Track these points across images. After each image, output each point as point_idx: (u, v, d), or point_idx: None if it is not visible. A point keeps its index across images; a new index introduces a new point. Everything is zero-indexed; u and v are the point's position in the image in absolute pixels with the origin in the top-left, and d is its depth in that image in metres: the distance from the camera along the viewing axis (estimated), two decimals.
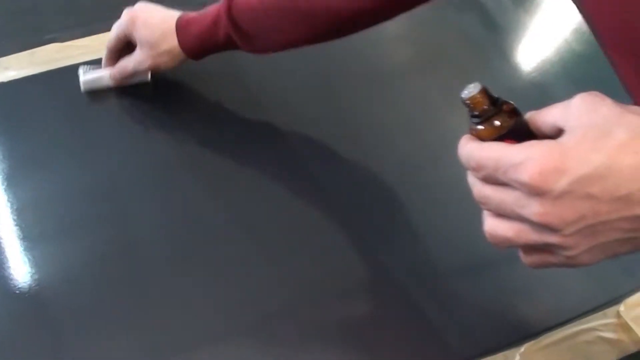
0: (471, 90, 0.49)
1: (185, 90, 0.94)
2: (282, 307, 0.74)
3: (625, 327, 0.76)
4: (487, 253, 0.74)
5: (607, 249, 0.46)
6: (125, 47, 0.89)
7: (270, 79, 0.89)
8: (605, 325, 0.76)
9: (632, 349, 0.74)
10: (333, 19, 0.80)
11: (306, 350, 0.72)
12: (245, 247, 0.79)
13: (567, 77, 1.05)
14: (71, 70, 0.93)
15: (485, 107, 0.48)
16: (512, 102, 0.49)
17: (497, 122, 0.48)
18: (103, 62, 0.91)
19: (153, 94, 0.93)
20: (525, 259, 0.50)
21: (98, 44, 0.96)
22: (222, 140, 0.89)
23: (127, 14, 0.87)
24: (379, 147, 0.91)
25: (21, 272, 0.73)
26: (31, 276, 0.73)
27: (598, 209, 0.43)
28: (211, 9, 0.84)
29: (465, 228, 0.78)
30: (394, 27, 1.03)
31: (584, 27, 1.12)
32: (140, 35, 0.86)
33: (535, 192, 0.43)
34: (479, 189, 0.48)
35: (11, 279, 0.73)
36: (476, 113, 0.49)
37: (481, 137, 0.49)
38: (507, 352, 0.72)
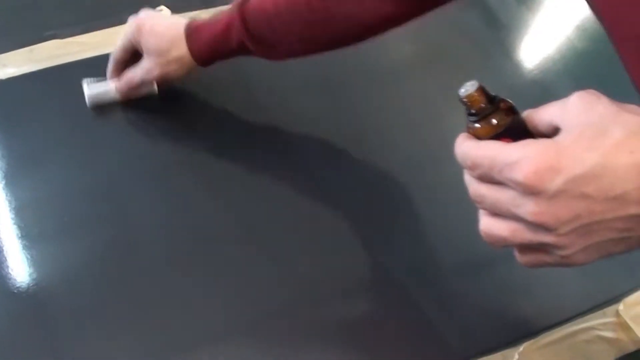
0: (468, 88, 0.49)
1: (184, 89, 0.93)
2: (282, 307, 0.74)
3: (624, 326, 0.75)
4: (487, 253, 0.74)
5: (601, 248, 0.46)
6: (131, 57, 0.87)
7: (269, 76, 0.89)
8: (604, 324, 0.76)
9: (631, 347, 0.74)
10: (352, 25, 0.79)
11: (306, 350, 0.72)
12: (245, 247, 0.79)
13: (570, 75, 1.05)
14: (71, 68, 0.92)
15: (482, 105, 0.48)
16: (509, 100, 0.49)
17: (494, 121, 0.48)
18: (108, 73, 0.89)
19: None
20: (521, 258, 0.50)
21: (98, 41, 0.96)
22: (222, 140, 0.89)
23: (132, 22, 0.85)
24: (380, 147, 0.91)
25: (20, 272, 0.73)
26: (30, 276, 0.73)
27: (593, 209, 0.43)
28: (222, 15, 0.82)
29: (465, 228, 0.77)
30: None
31: (587, 24, 1.13)
32: (147, 42, 0.83)
33: (530, 191, 0.43)
34: (475, 187, 0.48)
35: (10, 279, 0.73)
36: (473, 111, 0.49)
37: (478, 136, 0.49)
38: (506, 352, 0.72)
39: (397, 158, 0.90)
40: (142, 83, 0.87)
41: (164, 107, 0.91)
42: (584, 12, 1.14)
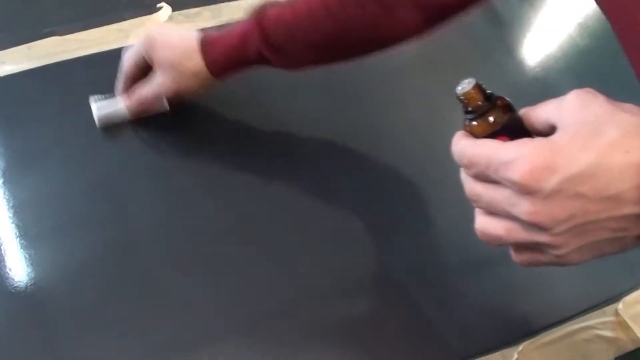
0: (465, 86, 0.49)
1: None
2: (282, 307, 0.74)
3: (623, 325, 0.75)
4: (486, 253, 0.74)
5: (596, 248, 0.46)
6: (142, 73, 0.84)
7: (269, 75, 0.89)
8: (604, 323, 0.76)
9: (630, 347, 0.74)
10: (373, 36, 0.78)
11: (306, 350, 0.72)
12: (245, 247, 0.79)
13: (573, 73, 1.04)
14: (70, 65, 0.91)
15: (479, 103, 0.49)
16: (506, 98, 0.49)
17: (490, 118, 0.48)
18: (118, 90, 0.86)
19: None
20: (516, 257, 0.50)
21: (97, 38, 0.95)
22: (221, 140, 0.89)
23: (142, 37, 0.81)
24: (380, 146, 0.91)
25: (19, 271, 0.73)
26: (29, 275, 0.73)
27: (587, 208, 0.43)
28: (237, 26, 0.80)
29: (465, 228, 0.77)
30: None
31: (589, 22, 1.12)
32: (160, 56, 0.80)
33: (526, 190, 0.43)
34: (471, 186, 0.48)
35: (9, 278, 0.72)
36: (470, 109, 0.49)
37: (475, 134, 0.49)
38: (506, 351, 0.72)
39: (398, 158, 0.90)
40: (156, 99, 0.84)
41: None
42: (587, 10, 1.14)
